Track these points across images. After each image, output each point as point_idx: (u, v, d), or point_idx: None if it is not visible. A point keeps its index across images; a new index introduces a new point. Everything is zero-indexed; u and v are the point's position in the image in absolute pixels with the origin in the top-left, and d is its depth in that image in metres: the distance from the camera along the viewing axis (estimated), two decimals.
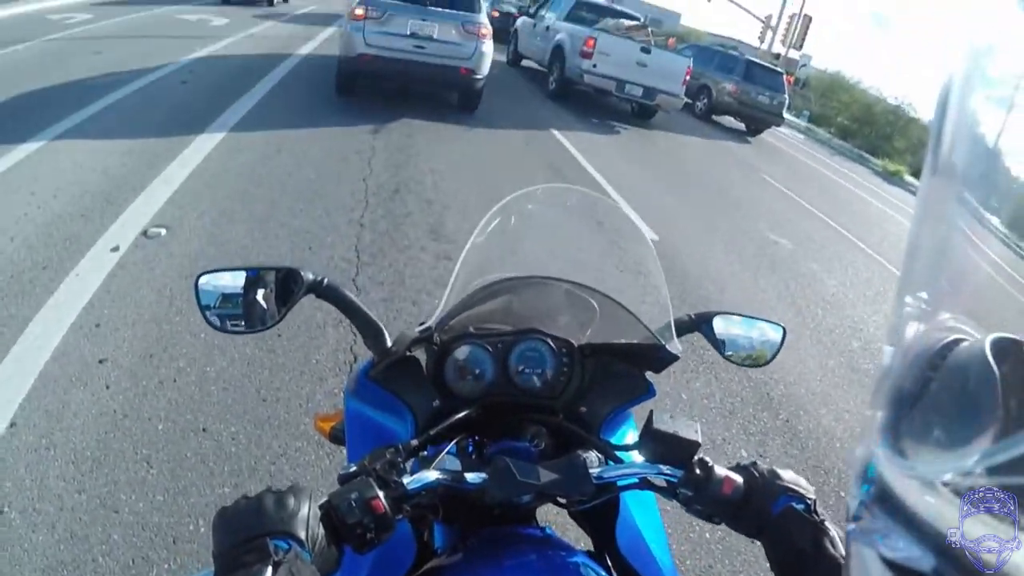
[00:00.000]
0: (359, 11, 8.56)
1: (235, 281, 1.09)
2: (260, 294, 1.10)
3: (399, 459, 0.88)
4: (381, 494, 0.81)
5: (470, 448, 1.10)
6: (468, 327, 1.16)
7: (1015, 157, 0.43)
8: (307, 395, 3.08)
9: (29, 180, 4.99)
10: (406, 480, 0.86)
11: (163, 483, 2.48)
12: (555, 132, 10.05)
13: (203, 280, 1.09)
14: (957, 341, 0.46)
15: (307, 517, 0.76)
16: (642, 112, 13.41)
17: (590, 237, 1.37)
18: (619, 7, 16.76)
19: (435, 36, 8.75)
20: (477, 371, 1.12)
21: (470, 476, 0.91)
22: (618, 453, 1.06)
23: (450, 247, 4.88)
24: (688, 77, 12.62)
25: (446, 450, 1.00)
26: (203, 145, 6.38)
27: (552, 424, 1.13)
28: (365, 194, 5.75)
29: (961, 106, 0.43)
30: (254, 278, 1.10)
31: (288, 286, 1.10)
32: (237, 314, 1.10)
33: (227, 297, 1.10)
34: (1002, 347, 0.43)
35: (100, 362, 3.08)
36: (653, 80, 12.12)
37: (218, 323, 1.10)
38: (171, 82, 8.97)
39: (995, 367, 0.42)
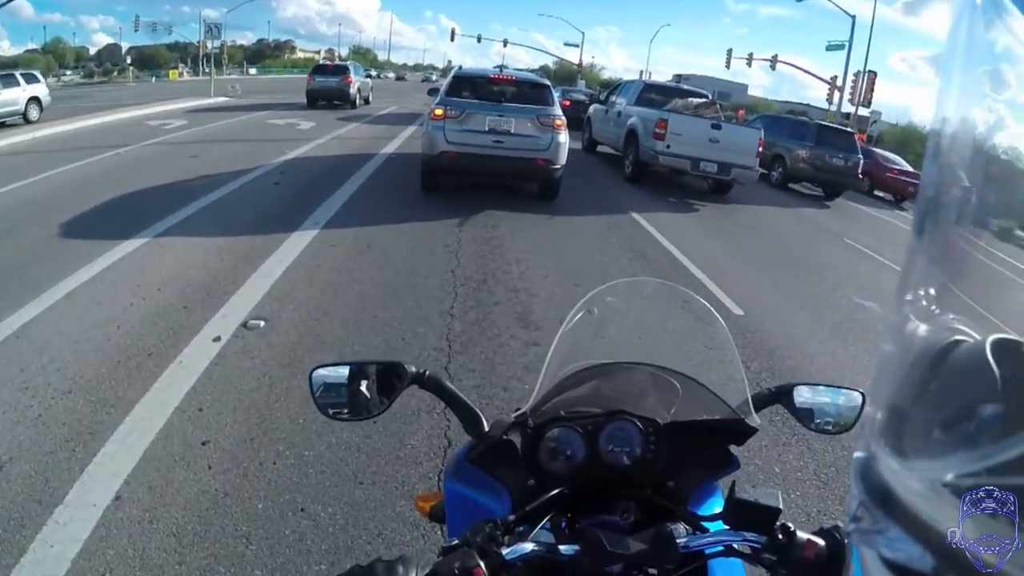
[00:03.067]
0: (439, 111, 9.06)
1: (340, 373, 1.21)
2: (363, 385, 1.20)
3: (497, 532, 0.94)
4: (481, 564, 0.87)
5: (563, 524, 1.14)
6: (559, 411, 1.22)
7: (1014, 156, 0.43)
8: (403, 478, 3.14)
9: (135, 273, 5.43)
10: (504, 551, 0.91)
11: (262, 559, 2.57)
12: (635, 215, 10.11)
13: (316, 373, 1.21)
14: (957, 342, 0.46)
15: None
16: (719, 187, 13.40)
17: (668, 323, 1.45)
18: (686, 86, 17.01)
19: (512, 130, 9.10)
20: (568, 452, 1.16)
21: (563, 548, 0.96)
22: (704, 523, 1.08)
23: (538, 334, 4.93)
24: (761, 148, 12.61)
25: (540, 525, 1.06)
26: (297, 242, 6.76)
27: (641, 498, 1.17)
28: (454, 285, 5.91)
29: (961, 106, 0.44)
30: (357, 371, 1.21)
31: (391, 378, 1.21)
32: (342, 403, 1.21)
33: (333, 387, 1.21)
34: (1002, 348, 0.43)
35: (203, 444, 3.25)
36: (727, 155, 12.15)
37: (326, 410, 1.22)
38: (264, 183, 9.56)
39: (995, 367, 0.42)
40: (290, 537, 2.70)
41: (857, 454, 0.48)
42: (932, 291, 0.46)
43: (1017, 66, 0.43)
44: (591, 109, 17.49)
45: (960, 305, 0.47)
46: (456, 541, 0.92)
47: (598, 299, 1.34)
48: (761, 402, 1.25)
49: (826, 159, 16.10)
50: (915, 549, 0.41)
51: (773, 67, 42.43)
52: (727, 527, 1.02)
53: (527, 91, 9.80)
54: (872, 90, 30.97)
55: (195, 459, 3.14)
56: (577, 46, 59.19)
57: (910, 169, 20.38)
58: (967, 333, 0.46)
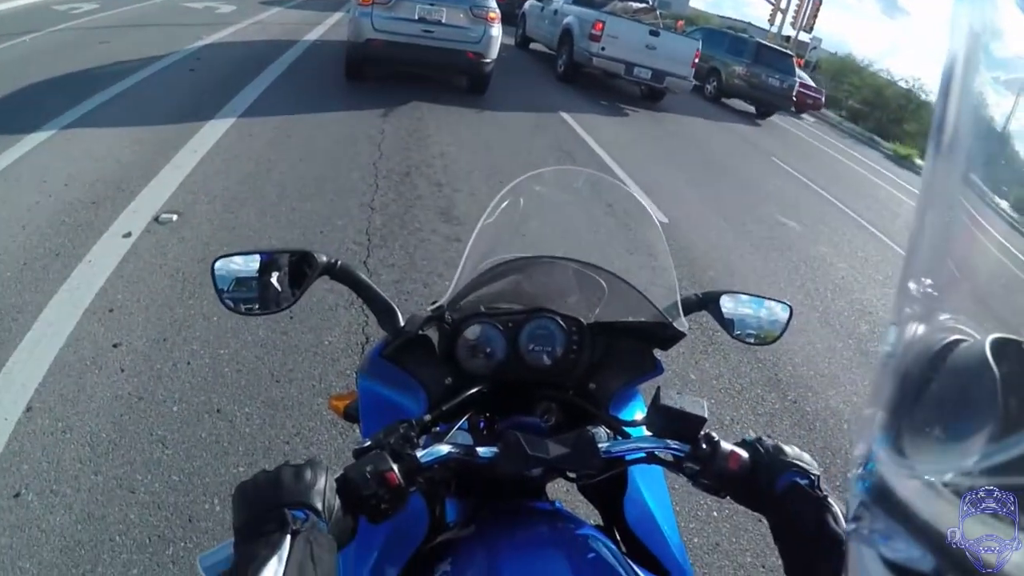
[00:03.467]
0: None
1: (250, 264, 1.10)
2: (275, 277, 1.10)
3: (412, 434, 0.89)
4: (395, 467, 0.82)
5: (481, 425, 1.11)
6: (479, 306, 1.17)
7: (1020, 141, 0.42)
8: (320, 375, 3.10)
9: (40, 169, 5.01)
10: (419, 454, 0.87)
11: (178, 463, 2.51)
12: (564, 115, 9.99)
13: (219, 264, 1.09)
14: (957, 341, 0.45)
15: (324, 489, 0.77)
16: (651, 95, 13.34)
17: (599, 218, 1.37)
18: None
19: (443, 20, 8.73)
20: (488, 349, 1.12)
21: (481, 450, 0.92)
22: (626, 428, 1.06)
23: (460, 229, 4.89)
24: (697, 60, 12.54)
25: (458, 425, 1.01)
26: (213, 132, 6.38)
27: (562, 400, 1.14)
28: (375, 177, 5.75)
29: (964, 89, 0.42)
30: (268, 261, 1.10)
31: (302, 268, 1.11)
32: (252, 297, 1.11)
33: (242, 280, 1.10)
34: (1002, 347, 0.43)
35: (114, 346, 3.11)
36: (662, 63, 12.06)
37: (233, 305, 1.11)
38: (179, 70, 8.94)
39: (995, 367, 0.42)
40: (206, 439, 2.64)
41: (857, 453, 0.47)
42: (933, 288, 0.45)
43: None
44: (527, 5, 16.95)
45: (961, 302, 0.47)
46: (369, 443, 0.88)
47: (524, 188, 1.26)
48: (687, 307, 1.22)
49: (762, 78, 16.15)
50: (915, 549, 0.40)
51: None
52: (649, 433, 1.01)
53: None
54: (816, 16, 31.12)
55: (107, 363, 3.01)
56: None
57: (811, 83, 22.08)
58: (967, 332, 0.46)
